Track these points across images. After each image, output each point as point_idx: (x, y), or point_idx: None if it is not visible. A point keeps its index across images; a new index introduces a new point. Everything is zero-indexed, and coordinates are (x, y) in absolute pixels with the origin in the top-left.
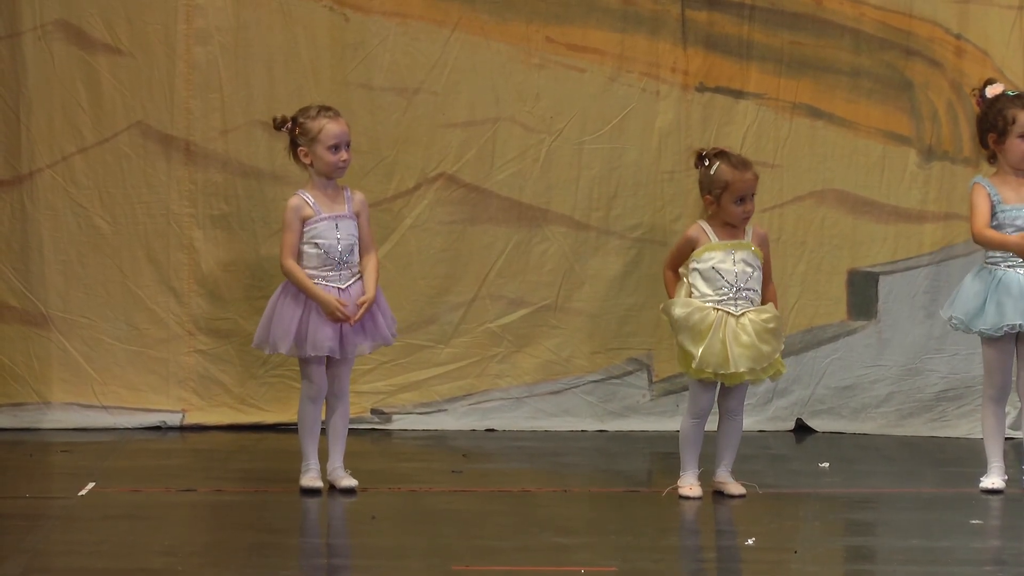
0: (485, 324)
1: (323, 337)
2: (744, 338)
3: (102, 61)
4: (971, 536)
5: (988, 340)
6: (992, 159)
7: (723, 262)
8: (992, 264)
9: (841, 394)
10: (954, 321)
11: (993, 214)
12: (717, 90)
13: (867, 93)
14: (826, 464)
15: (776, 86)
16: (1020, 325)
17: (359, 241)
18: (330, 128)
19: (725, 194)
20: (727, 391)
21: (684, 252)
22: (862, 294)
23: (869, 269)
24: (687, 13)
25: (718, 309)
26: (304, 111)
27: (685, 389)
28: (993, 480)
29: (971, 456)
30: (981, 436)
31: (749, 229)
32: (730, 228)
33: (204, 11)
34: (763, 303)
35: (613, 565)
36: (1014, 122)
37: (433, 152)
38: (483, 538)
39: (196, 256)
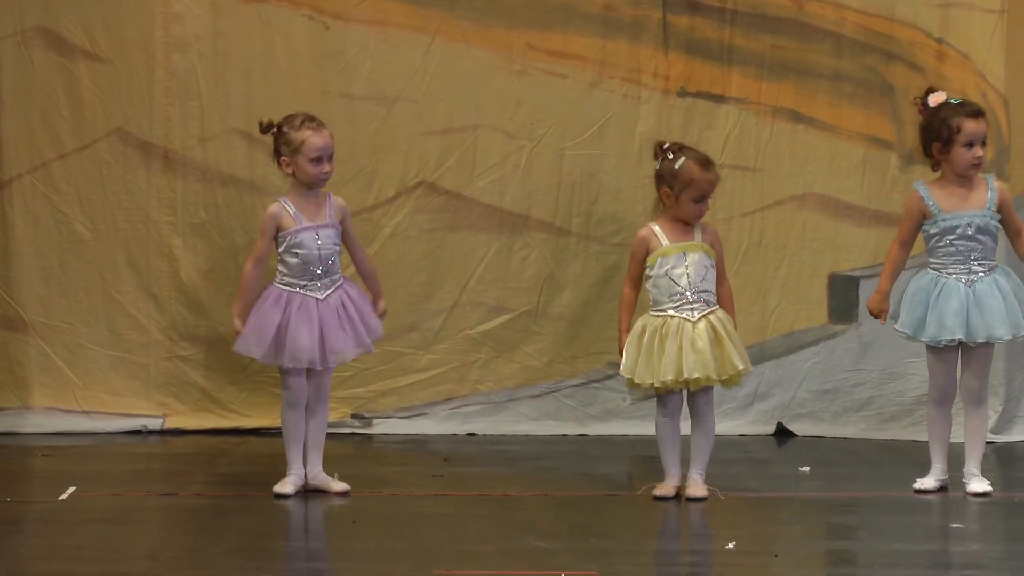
0: (465, 331)
1: (301, 348)
2: (700, 344)
3: (81, 67)
4: (953, 540)
5: (931, 348)
6: (936, 167)
7: (676, 267)
8: (935, 269)
9: (822, 398)
10: (899, 332)
11: (933, 221)
12: (698, 95)
13: (848, 97)
14: (807, 468)
15: (757, 90)
16: (959, 340)
17: (349, 244)
18: (313, 140)
19: (686, 191)
20: (692, 394)
21: (639, 255)
22: (843, 298)
23: (850, 273)
24: (668, 18)
25: (674, 316)
26: (289, 120)
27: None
28: (924, 481)
29: (952, 459)
30: (962, 440)
31: (698, 228)
32: (680, 227)
33: (182, 19)
34: (719, 303)
35: (594, 569)
36: (959, 131)
37: (413, 160)
38: (464, 542)
39: (176, 264)
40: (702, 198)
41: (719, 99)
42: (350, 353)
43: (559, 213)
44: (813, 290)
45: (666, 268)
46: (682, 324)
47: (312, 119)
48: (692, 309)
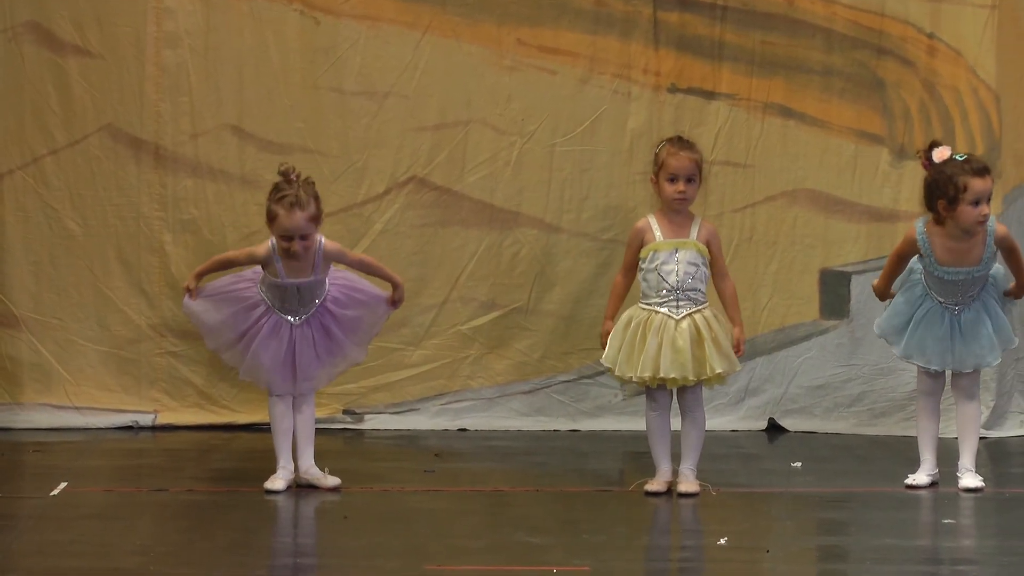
0: (456, 326)
1: (259, 367)
2: (679, 343)
3: (72, 63)
4: (944, 535)
5: None
6: (939, 221)
7: (666, 263)
8: (928, 287)
9: (813, 393)
10: (877, 332)
11: (927, 263)
12: (689, 91)
13: (839, 92)
14: (798, 463)
15: (748, 86)
16: (936, 370)
17: (356, 269)
18: (280, 221)
19: (661, 172)
20: (680, 390)
21: (634, 245)
22: (834, 293)
23: (841, 268)
24: (659, 14)
25: (659, 312)
26: (276, 185)
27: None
28: (916, 477)
29: (944, 455)
30: (954, 436)
31: (696, 225)
32: (675, 221)
33: (174, 14)
34: (722, 301)
35: (586, 564)
36: (966, 190)
37: (404, 155)
38: (456, 537)
39: (166, 259)
40: (675, 178)
41: (710, 95)
42: (322, 382)
43: (550, 209)
44: (804, 286)
45: (656, 263)
46: (665, 321)
47: (295, 196)
48: (678, 307)
